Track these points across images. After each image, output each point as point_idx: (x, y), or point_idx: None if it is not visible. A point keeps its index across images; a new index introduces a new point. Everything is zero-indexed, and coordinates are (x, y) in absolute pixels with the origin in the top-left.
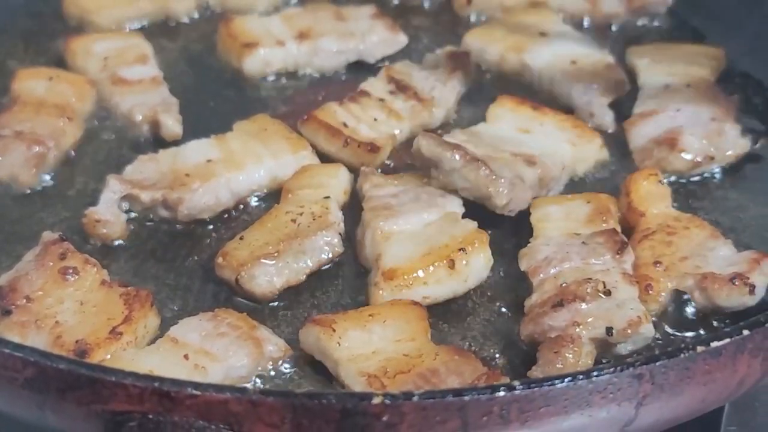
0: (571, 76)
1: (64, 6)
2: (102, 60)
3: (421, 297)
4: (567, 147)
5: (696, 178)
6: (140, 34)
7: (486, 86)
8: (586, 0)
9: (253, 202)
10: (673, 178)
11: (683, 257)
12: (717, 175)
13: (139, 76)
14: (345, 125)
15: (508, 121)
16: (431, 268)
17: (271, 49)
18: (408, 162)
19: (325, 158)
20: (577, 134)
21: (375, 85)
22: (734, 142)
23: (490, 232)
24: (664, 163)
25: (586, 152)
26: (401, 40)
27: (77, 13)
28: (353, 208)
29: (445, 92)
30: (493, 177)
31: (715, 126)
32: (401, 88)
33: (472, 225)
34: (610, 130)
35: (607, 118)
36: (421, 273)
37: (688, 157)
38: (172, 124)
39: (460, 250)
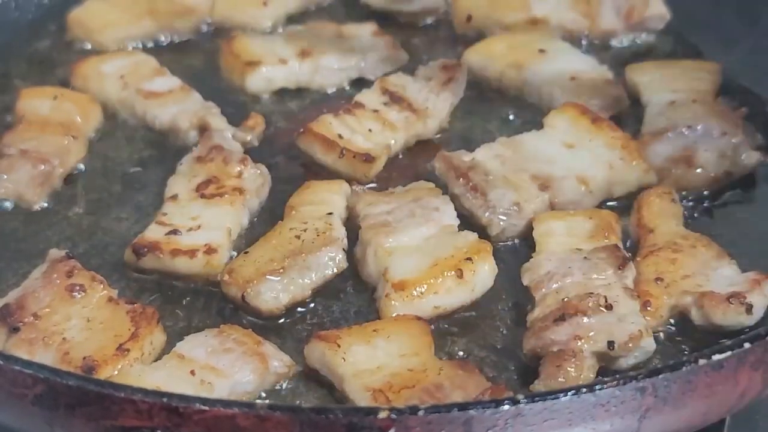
0: (571, 92)
1: (68, 25)
2: (118, 79)
3: (432, 307)
4: (602, 172)
5: (710, 197)
6: (143, 53)
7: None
8: (585, 17)
9: (257, 218)
10: (688, 195)
11: (686, 275)
12: (730, 194)
13: (167, 87)
14: (340, 137)
15: (559, 132)
16: (440, 278)
17: (273, 67)
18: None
19: (323, 169)
20: (622, 155)
21: (369, 97)
22: (747, 155)
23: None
24: (683, 181)
25: (627, 175)
26: (402, 57)
27: (81, 32)
28: (349, 225)
29: (438, 103)
30: (489, 208)
31: (727, 140)
32: (395, 99)
33: (472, 236)
34: None
35: None
36: (431, 283)
37: (705, 173)
38: (220, 122)
39: (466, 259)
